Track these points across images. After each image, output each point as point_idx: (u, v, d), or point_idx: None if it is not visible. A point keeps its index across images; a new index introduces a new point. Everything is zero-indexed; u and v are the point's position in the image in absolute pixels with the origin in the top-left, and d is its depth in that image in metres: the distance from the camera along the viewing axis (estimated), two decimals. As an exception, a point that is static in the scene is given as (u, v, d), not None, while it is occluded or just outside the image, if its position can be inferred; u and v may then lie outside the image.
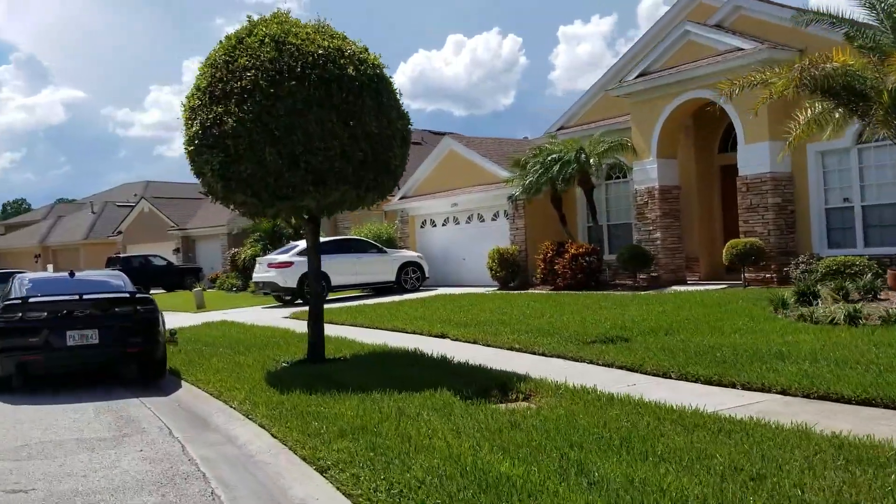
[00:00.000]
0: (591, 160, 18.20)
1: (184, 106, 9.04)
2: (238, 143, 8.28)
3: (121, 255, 35.72)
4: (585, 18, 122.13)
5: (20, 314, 9.08)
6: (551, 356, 9.44)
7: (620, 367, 8.33)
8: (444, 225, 25.53)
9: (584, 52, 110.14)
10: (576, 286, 18.35)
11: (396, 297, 20.80)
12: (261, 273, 22.53)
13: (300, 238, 28.03)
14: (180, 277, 36.23)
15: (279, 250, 23.59)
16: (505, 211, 22.66)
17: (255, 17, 8.96)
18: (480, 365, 8.64)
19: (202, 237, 39.15)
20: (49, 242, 49.45)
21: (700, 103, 17.47)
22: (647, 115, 18.13)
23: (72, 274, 10.72)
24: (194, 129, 8.59)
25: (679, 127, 18.27)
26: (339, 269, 22.41)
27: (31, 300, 9.21)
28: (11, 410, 8.34)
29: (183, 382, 9.53)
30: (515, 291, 19.69)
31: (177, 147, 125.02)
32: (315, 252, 9.62)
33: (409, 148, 9.37)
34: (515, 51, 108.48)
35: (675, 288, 16.86)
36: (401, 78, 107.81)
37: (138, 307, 9.65)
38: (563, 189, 19.48)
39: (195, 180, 9.74)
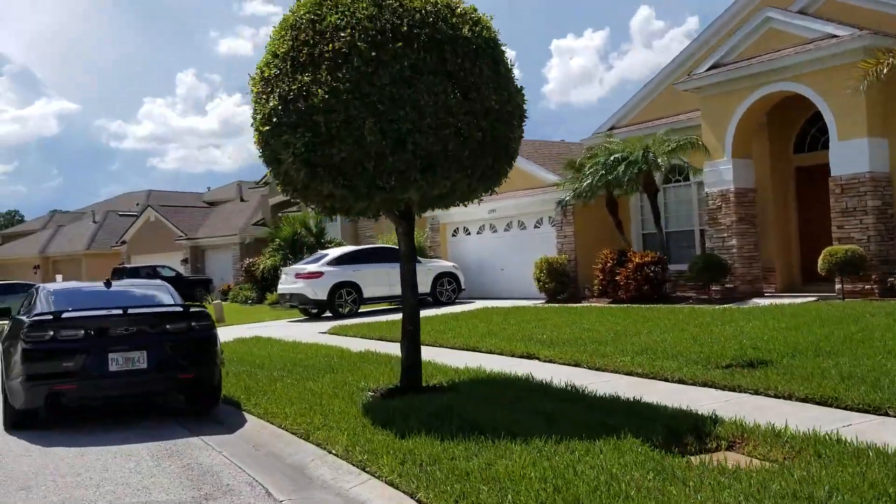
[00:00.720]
0: (660, 160, 16.59)
1: (253, 79, 7.39)
2: (331, 120, 6.62)
3: (127, 266, 33.95)
4: (578, 32, 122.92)
5: (51, 333, 7.39)
6: (694, 384, 7.77)
7: (804, 400, 6.68)
8: (479, 233, 23.88)
9: (577, 66, 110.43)
10: (640, 299, 16.71)
11: (436, 311, 19.12)
12: (288, 284, 20.82)
13: (322, 246, 26.39)
14: (190, 289, 34.41)
15: (307, 260, 21.90)
16: (550, 217, 21.04)
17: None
18: (624, 397, 6.97)
19: (212, 247, 37.42)
20: (49, 253, 47.61)
21: (781, 97, 15.92)
22: (720, 111, 16.54)
23: (108, 284, 9.00)
24: (271, 104, 6.93)
25: (755, 124, 16.68)
26: (370, 279, 20.75)
27: (64, 316, 7.51)
28: (42, 455, 6.64)
29: (246, 415, 7.83)
30: (569, 304, 18.02)
31: (170, 159, 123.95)
32: (409, 259, 7.98)
33: (523, 130, 7.70)
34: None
35: (756, 301, 15.23)
36: None
37: (193, 323, 7.96)
38: (625, 192, 17.91)
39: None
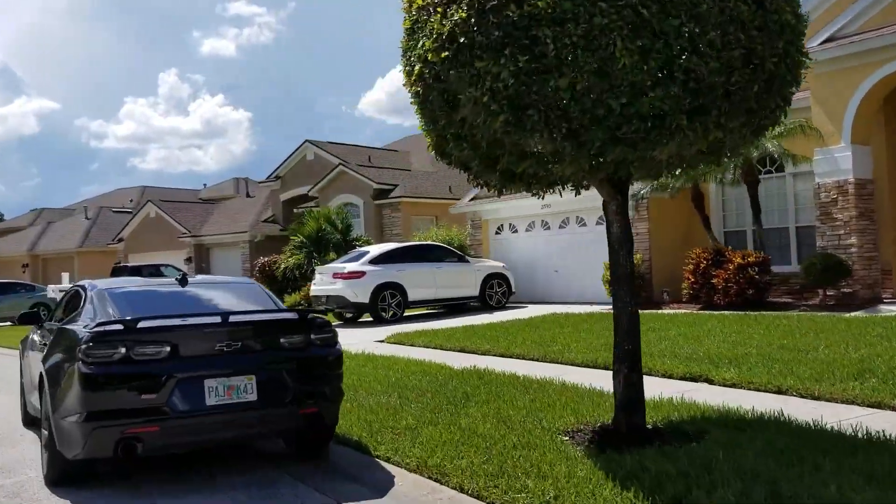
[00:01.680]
0: (769, 144, 14.48)
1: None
2: (562, 35, 4.41)
3: (128, 265, 31.44)
4: None
5: (123, 350, 5.10)
6: None
7: None
8: (528, 230, 21.68)
9: None
10: (740, 305, 14.60)
11: (490, 317, 16.96)
12: (324, 285, 18.50)
13: (348, 244, 24.11)
14: (195, 290, 32.04)
15: (345, 258, 19.60)
16: (617, 213, 18.88)
17: None
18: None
19: (218, 245, 34.98)
20: (38, 251, 44.89)
21: (912, 75, 13.87)
22: (837, 90, 14.46)
23: (183, 280, 6.63)
24: (455, 17, 4.70)
25: (876, 105, 14.63)
26: (416, 280, 18.52)
27: (141, 325, 5.22)
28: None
29: (385, 465, 5.58)
30: (651, 311, 15.86)
31: (151, 159, 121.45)
32: (623, 246, 5.68)
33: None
34: None
35: (887, 308, 13.16)
36: (378, 93, 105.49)
37: (313, 336, 5.70)
38: (720, 183, 15.81)
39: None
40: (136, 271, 30.66)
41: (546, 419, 6.10)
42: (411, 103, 5.50)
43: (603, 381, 7.50)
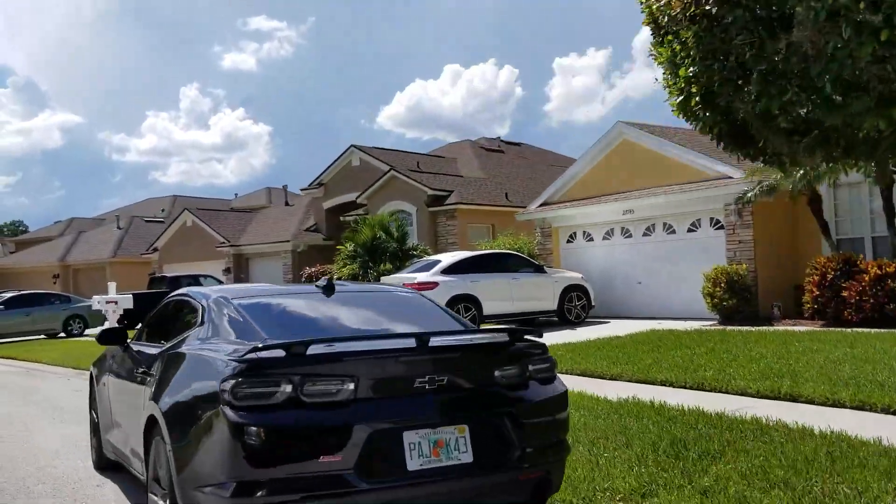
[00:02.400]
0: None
1: None
2: None
3: (167, 275, 30.06)
4: (581, 51, 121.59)
5: (289, 389, 3.49)
6: None
7: None
8: (605, 238, 19.99)
9: (579, 85, 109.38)
10: (879, 321, 12.84)
11: (575, 333, 15.27)
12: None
13: (405, 254, 22.56)
14: (235, 302, 30.62)
15: (413, 267, 18.01)
16: (713, 219, 17.16)
17: None
18: None
19: (258, 255, 33.57)
20: (70, 261, 43.77)
21: None
22: None
23: (329, 288, 4.95)
24: None
25: None
26: (492, 292, 16.89)
27: (311, 351, 3.57)
28: None
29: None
30: (763, 328, 14.10)
31: (172, 173, 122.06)
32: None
33: None
34: (512, 82, 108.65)
35: None
36: (397, 107, 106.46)
37: (531, 367, 4.06)
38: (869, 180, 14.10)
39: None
40: (175, 282, 29.26)
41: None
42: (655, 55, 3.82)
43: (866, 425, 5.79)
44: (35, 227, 68.89)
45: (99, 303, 15.95)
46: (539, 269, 18.08)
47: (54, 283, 42.99)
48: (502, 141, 40.22)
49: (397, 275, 17.59)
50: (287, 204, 37.99)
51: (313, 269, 26.44)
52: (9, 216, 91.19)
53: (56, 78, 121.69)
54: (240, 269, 33.77)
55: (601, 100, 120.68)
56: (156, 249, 37.72)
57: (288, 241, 31.47)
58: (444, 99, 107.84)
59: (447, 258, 17.45)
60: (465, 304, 16.48)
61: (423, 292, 15.32)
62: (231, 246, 33.58)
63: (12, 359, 19.00)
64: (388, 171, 27.28)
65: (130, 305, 16.21)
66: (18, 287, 36.72)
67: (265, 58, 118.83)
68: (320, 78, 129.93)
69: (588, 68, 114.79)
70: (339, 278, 23.02)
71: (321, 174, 32.82)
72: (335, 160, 32.17)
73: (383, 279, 17.91)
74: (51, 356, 18.27)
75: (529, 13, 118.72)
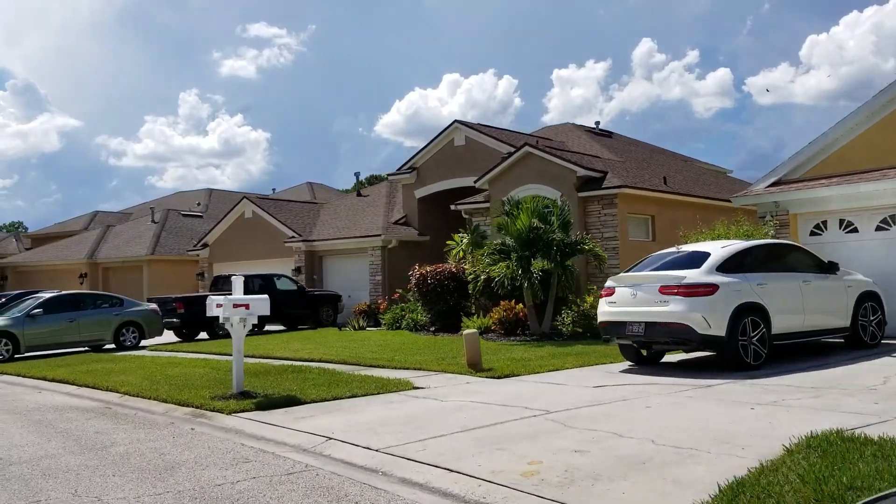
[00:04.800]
0: None
1: None
2: None
3: (234, 274, 24.56)
4: (580, 63, 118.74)
5: None
6: None
7: None
8: (880, 229, 14.63)
9: (577, 96, 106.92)
10: None
11: (888, 364, 9.91)
12: (635, 306, 11.51)
13: (572, 247, 17.17)
14: (314, 308, 25.21)
15: (656, 263, 12.50)
16: None
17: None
18: None
19: (336, 252, 28.14)
20: (100, 258, 38.38)
21: None
22: None
23: None
24: None
25: None
26: (782, 301, 11.61)
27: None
28: None
29: None
30: None
31: (168, 178, 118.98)
32: None
33: None
34: (510, 92, 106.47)
35: None
36: (395, 116, 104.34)
37: None
38: None
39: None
40: (244, 284, 23.80)
41: None
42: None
43: None
44: (32, 230, 63.59)
45: (219, 307, 10.55)
46: (829, 268, 12.70)
47: (80, 283, 37.65)
48: (598, 127, 34.93)
49: (646, 273, 12.09)
50: (359, 194, 32.58)
51: (433, 268, 21.02)
52: (6, 219, 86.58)
53: (55, 82, 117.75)
54: (313, 269, 28.33)
55: (599, 112, 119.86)
56: (205, 245, 32.33)
57: (378, 234, 26.06)
58: (442, 108, 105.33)
59: (716, 250, 11.99)
60: (752, 317, 11.10)
61: (695, 298, 9.73)
62: (304, 241, 28.15)
63: (71, 383, 13.60)
64: (522, 146, 21.89)
65: (267, 310, 10.79)
66: (37, 288, 31.37)
67: (265, 65, 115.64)
68: (319, 85, 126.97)
69: (586, 80, 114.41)
70: (485, 279, 17.63)
71: (413, 157, 27.48)
72: (433, 140, 26.84)
73: (615, 279, 12.45)
74: (129, 381, 12.87)
75: (529, 24, 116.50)
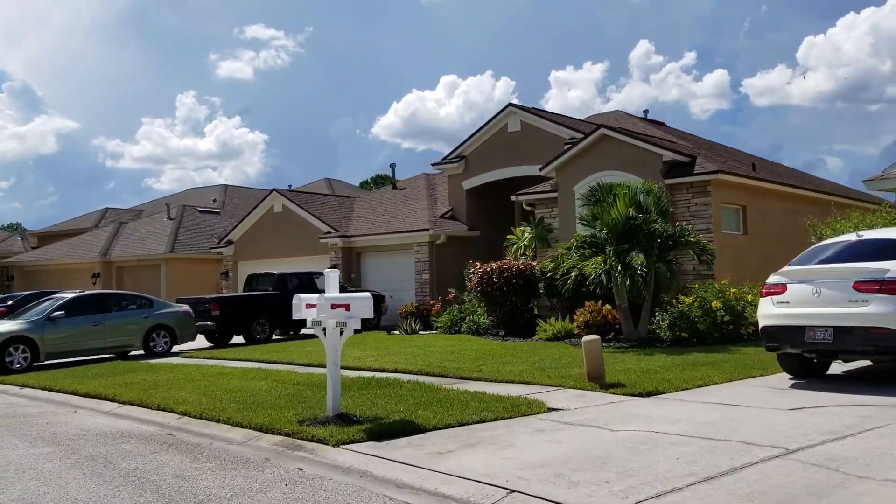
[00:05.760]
0: None
1: None
2: None
3: (274, 272, 22.33)
4: (578, 64, 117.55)
5: None
6: None
7: None
8: None
9: (574, 98, 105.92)
10: None
11: None
12: (827, 306, 9.27)
13: (676, 241, 15.00)
14: (357, 309, 22.87)
15: (834, 253, 10.26)
16: None
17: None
18: None
19: (376, 249, 25.88)
20: (113, 257, 36.13)
21: None
22: None
23: None
24: None
25: None
26: None
27: None
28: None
29: None
30: None
31: (166, 180, 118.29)
32: None
33: None
34: (508, 94, 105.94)
35: None
36: (392, 118, 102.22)
37: None
38: None
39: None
40: (282, 281, 21.69)
41: None
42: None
43: None
44: (38, 228, 61.22)
45: (311, 308, 8.33)
46: None
47: (93, 283, 35.43)
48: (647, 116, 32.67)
49: (819, 265, 9.86)
50: (395, 187, 30.34)
51: (500, 264, 18.81)
52: (4, 220, 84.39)
53: (52, 83, 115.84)
54: (350, 267, 26.09)
55: (596, 113, 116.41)
56: (229, 242, 30.08)
57: (426, 229, 23.82)
58: (440, 110, 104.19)
59: (912, 237, 9.76)
60: (967, 322, 8.86)
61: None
62: (340, 237, 25.90)
63: (110, 400, 11.36)
64: (597, 129, 19.68)
65: (370, 312, 8.56)
66: (45, 289, 29.15)
67: (262, 66, 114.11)
68: (316, 87, 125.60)
69: (584, 82, 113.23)
70: (573, 279, 15.41)
71: (460, 145, 25.26)
72: (483, 126, 24.61)
73: (782, 272, 10.21)
74: (183, 398, 10.63)
75: (527, 26, 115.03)
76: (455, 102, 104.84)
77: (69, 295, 18.45)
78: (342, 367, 14.13)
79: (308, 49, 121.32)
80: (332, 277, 8.93)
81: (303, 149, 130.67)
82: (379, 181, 63.17)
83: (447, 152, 25.82)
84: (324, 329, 8.59)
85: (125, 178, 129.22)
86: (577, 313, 16.42)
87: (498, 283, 18.48)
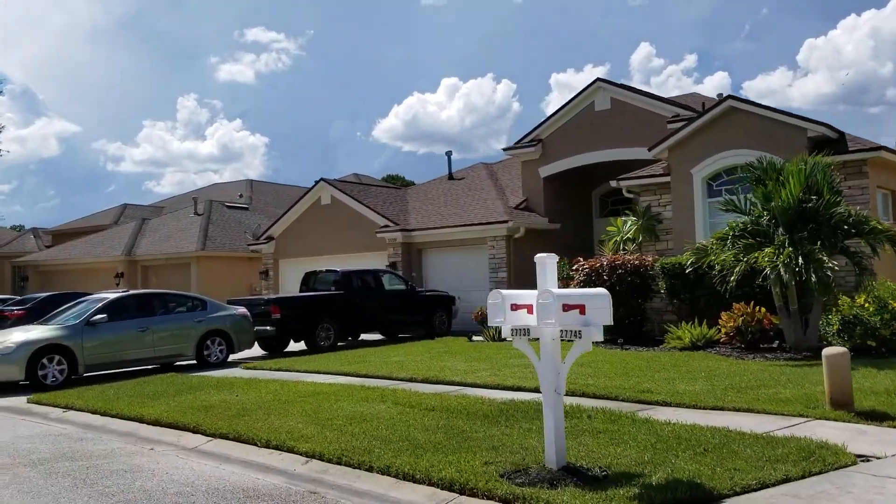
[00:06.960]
0: None
1: None
2: None
3: (336, 269, 19.53)
4: (579, 67, 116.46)
5: None
6: None
7: None
8: None
9: None
10: None
11: None
12: None
13: (859, 224, 12.25)
14: (428, 312, 20.22)
15: None
16: None
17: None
18: None
19: (437, 244, 23.10)
20: (138, 255, 33.41)
21: None
22: None
23: None
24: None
25: None
26: None
27: None
28: None
29: None
30: None
31: (166, 183, 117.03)
32: None
33: None
34: (509, 97, 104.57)
35: None
36: (393, 120, 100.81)
37: None
38: None
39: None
40: (346, 280, 18.96)
41: None
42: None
43: None
44: (51, 227, 58.54)
45: (524, 308, 5.61)
46: None
47: (117, 283, 32.69)
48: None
49: None
50: (451, 177, 27.58)
51: (617, 257, 16.07)
52: (5, 224, 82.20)
53: (53, 87, 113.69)
54: (410, 265, 23.32)
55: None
56: (269, 238, 27.33)
57: (504, 221, 21.02)
58: (441, 113, 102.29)
59: None
60: None
61: None
62: (401, 230, 23.13)
63: (199, 432, 8.61)
64: (724, 100, 16.91)
65: (609, 318, 5.79)
66: (63, 289, 26.48)
67: (263, 69, 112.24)
68: (317, 90, 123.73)
69: (585, 84, 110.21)
70: (756, 270, 12.67)
71: (537, 128, 22.49)
72: (565, 104, 21.85)
73: None
74: (299, 431, 7.88)
75: (527, 29, 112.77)
76: (456, 105, 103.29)
77: (111, 295, 15.68)
78: (444, 382, 11.49)
79: (309, 52, 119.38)
80: (550, 265, 6.16)
81: (303, 151, 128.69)
82: (390, 182, 60.50)
83: (520, 137, 23.03)
84: (549, 340, 5.83)
85: (126, 181, 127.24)
86: (724, 317, 13.67)
87: (610, 281, 15.72)
